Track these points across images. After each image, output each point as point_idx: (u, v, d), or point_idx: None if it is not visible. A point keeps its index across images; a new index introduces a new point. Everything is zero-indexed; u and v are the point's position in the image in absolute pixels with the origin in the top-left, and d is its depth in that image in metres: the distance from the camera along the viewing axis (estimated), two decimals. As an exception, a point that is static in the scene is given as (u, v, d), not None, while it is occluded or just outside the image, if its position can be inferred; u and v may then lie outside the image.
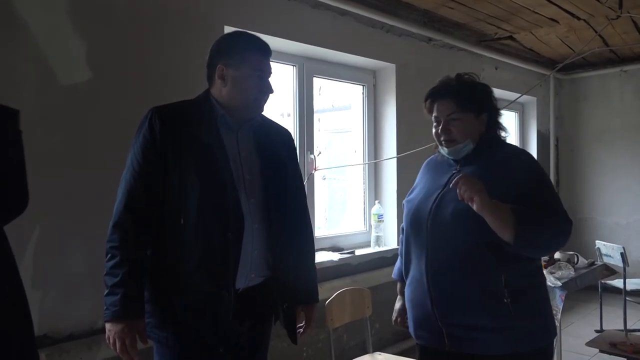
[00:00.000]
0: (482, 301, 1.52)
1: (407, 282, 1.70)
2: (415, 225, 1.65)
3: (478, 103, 1.64)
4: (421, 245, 1.62)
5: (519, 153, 1.69)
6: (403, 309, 1.82)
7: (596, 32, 3.79)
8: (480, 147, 1.64)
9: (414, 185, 1.82)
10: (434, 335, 1.60)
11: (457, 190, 1.46)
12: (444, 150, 1.68)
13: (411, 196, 1.77)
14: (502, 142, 1.71)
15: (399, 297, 1.88)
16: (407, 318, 1.75)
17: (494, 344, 1.52)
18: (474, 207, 1.44)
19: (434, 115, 1.68)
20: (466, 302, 1.53)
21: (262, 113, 1.73)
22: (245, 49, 1.58)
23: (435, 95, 1.68)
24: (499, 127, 1.70)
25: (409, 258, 1.69)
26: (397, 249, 3.55)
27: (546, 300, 1.64)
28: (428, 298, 1.58)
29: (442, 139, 1.65)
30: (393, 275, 1.90)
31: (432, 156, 1.83)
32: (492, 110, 1.68)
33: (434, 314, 1.57)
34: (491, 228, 1.45)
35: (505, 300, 1.49)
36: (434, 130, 1.68)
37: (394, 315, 1.89)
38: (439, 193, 1.63)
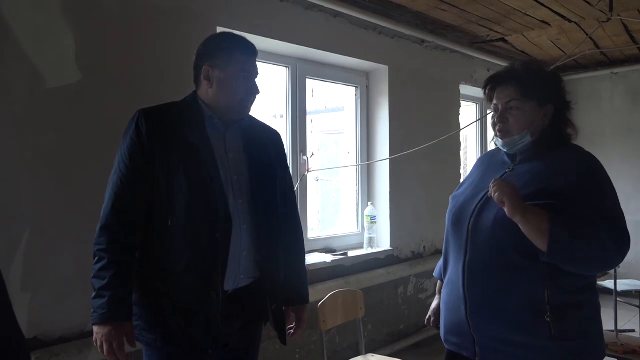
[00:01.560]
0: (520, 315, 1.38)
1: (445, 282, 1.60)
2: (457, 224, 1.53)
3: (542, 91, 1.46)
4: (460, 247, 1.50)
5: (582, 156, 1.48)
6: (438, 308, 1.70)
7: (587, 34, 3.81)
8: (540, 144, 1.48)
9: (465, 179, 1.69)
10: (465, 343, 1.48)
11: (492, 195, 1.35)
12: (498, 142, 1.53)
13: (458, 192, 1.64)
14: (567, 141, 1.51)
15: (436, 296, 1.77)
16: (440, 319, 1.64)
17: None
18: (506, 212, 1.33)
19: (493, 103, 1.52)
20: (503, 314, 1.40)
21: (251, 114, 1.72)
22: (230, 50, 1.57)
23: (495, 80, 1.53)
24: (567, 123, 1.51)
25: (448, 257, 1.59)
26: (390, 250, 3.62)
27: (594, 319, 1.46)
28: (463, 303, 1.46)
29: (497, 128, 1.49)
30: (434, 273, 1.78)
31: (489, 150, 1.67)
32: (560, 103, 1.50)
33: (468, 321, 1.45)
34: (540, 258, 1.33)
35: (547, 318, 1.35)
36: (490, 120, 1.53)
37: (428, 314, 1.79)
38: (486, 193, 1.47)
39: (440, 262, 1.71)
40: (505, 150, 1.55)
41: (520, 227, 1.33)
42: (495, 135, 1.53)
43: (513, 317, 1.40)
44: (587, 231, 1.31)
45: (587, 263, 1.36)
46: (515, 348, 1.40)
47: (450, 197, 1.66)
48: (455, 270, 1.53)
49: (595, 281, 1.50)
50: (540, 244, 1.31)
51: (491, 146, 1.61)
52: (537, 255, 1.35)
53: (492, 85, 1.54)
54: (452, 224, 1.57)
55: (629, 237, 1.36)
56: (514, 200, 1.33)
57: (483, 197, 1.50)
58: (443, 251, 1.65)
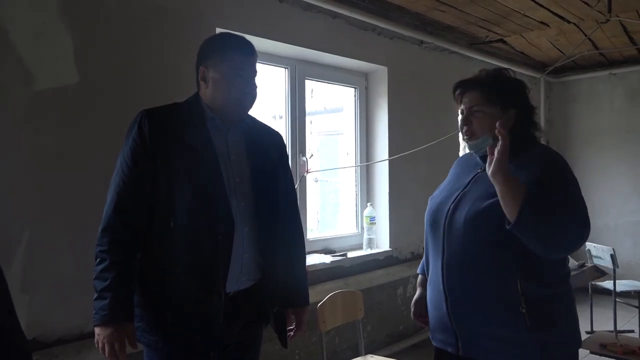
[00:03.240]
0: (495, 308, 1.44)
1: (428, 281, 1.65)
2: (434, 224, 1.60)
3: (505, 96, 1.54)
4: (437, 245, 1.57)
5: (548, 153, 1.57)
6: (418, 301, 1.75)
7: (586, 35, 3.82)
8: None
9: (443, 181, 1.76)
10: (449, 338, 1.54)
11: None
12: (466, 145, 1.61)
13: (435, 194, 1.71)
14: (533, 142, 1.59)
15: (418, 289, 1.81)
16: (425, 313, 1.68)
17: (507, 355, 1.45)
18: (489, 171, 1.38)
19: (460, 107, 1.61)
20: (480, 307, 1.46)
21: (252, 115, 1.72)
22: (224, 50, 1.56)
23: (463, 85, 1.61)
24: (532, 126, 1.59)
25: (428, 256, 1.65)
26: (389, 251, 3.62)
27: (570, 311, 1.52)
28: (443, 300, 1.53)
29: (463, 131, 1.59)
30: (418, 269, 1.83)
31: (465, 152, 1.76)
32: (523, 108, 1.58)
33: (449, 317, 1.52)
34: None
35: (522, 310, 1.40)
36: (459, 124, 1.62)
37: (411, 308, 1.81)
38: (459, 193, 1.57)
39: (424, 259, 1.77)
40: (473, 152, 1.62)
41: (497, 190, 1.37)
42: (463, 138, 1.61)
43: (490, 310, 1.45)
44: (557, 216, 1.37)
45: (547, 242, 1.38)
46: (494, 341, 1.45)
47: (429, 199, 1.72)
48: (435, 269, 1.59)
49: (569, 274, 1.56)
50: (510, 211, 1.35)
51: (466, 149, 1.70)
52: (509, 249, 1.41)
53: (461, 90, 1.62)
54: (429, 224, 1.64)
55: (589, 223, 1.41)
56: (503, 163, 1.37)
57: (457, 196, 1.57)
58: (424, 250, 1.72)
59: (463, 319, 1.50)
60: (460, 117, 1.61)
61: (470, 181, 1.59)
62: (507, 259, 1.44)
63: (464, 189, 1.58)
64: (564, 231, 1.38)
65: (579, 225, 1.39)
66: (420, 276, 1.82)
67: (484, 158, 1.60)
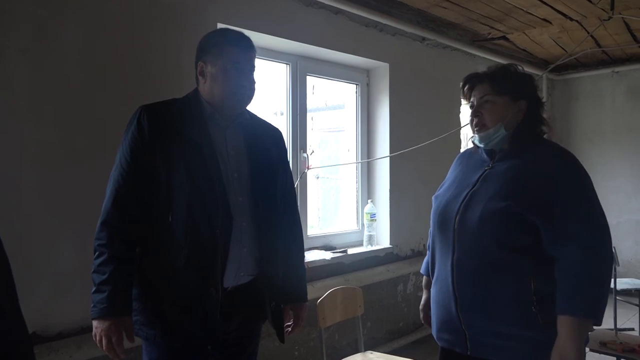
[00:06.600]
0: (508, 308, 1.44)
1: (433, 280, 1.64)
2: (443, 223, 1.58)
3: (515, 87, 1.54)
4: (447, 245, 1.55)
5: (558, 154, 1.52)
6: (425, 304, 1.77)
7: (588, 33, 3.81)
8: (516, 139, 1.54)
9: (445, 179, 1.73)
10: (457, 338, 1.53)
11: None
12: (475, 139, 1.58)
13: (440, 191, 1.69)
14: (541, 137, 1.57)
15: (424, 291, 1.82)
16: (430, 315, 1.68)
17: (519, 354, 1.44)
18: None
19: (470, 101, 1.60)
20: (492, 307, 1.46)
21: (252, 112, 1.72)
22: (222, 44, 1.56)
23: (472, 79, 1.60)
24: (540, 120, 1.57)
25: (435, 256, 1.63)
26: (390, 248, 3.61)
27: None
28: (453, 300, 1.51)
29: (473, 123, 1.56)
30: (421, 270, 1.83)
31: (467, 148, 1.75)
32: (532, 100, 1.56)
33: (458, 317, 1.51)
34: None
35: (534, 309, 1.41)
36: (469, 118, 1.60)
37: (420, 314, 1.83)
38: (469, 191, 1.55)
39: (427, 259, 1.77)
40: (482, 146, 1.60)
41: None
42: (473, 131, 1.59)
43: (502, 310, 1.45)
44: (598, 275, 1.38)
45: (608, 270, 1.44)
46: (505, 340, 1.45)
47: (433, 198, 1.70)
48: (443, 269, 1.57)
49: None
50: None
51: (469, 144, 1.73)
52: (523, 250, 1.42)
53: (470, 85, 1.61)
54: (437, 223, 1.61)
55: (607, 226, 1.44)
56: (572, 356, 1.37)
57: (466, 195, 1.55)
58: (429, 249, 1.70)
59: (473, 319, 1.49)
60: (470, 110, 1.60)
61: (478, 179, 1.56)
62: (522, 259, 1.43)
63: (472, 188, 1.55)
64: (605, 262, 1.41)
65: (600, 241, 1.41)
66: (425, 278, 1.81)
67: (489, 153, 1.60)
